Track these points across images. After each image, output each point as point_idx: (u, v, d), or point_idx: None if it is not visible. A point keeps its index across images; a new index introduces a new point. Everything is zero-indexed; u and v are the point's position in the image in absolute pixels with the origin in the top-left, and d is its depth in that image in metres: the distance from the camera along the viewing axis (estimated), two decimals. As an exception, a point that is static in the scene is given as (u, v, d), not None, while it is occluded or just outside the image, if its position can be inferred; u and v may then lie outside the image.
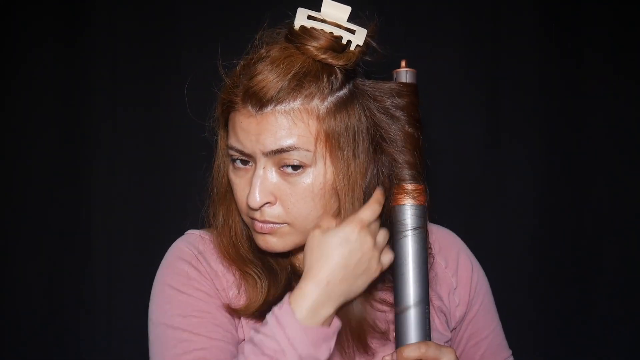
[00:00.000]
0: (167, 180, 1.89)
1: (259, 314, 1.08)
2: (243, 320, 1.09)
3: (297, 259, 1.16)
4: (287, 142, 0.99)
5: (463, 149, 1.88)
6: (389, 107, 1.06)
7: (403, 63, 1.08)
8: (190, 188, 1.72)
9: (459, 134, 1.88)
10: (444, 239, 1.24)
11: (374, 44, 1.03)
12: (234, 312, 1.08)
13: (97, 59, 1.88)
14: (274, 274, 1.11)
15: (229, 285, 1.10)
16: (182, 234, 1.16)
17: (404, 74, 1.07)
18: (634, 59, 1.85)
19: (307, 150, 1.00)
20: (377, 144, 1.05)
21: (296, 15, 1.02)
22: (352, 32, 1.01)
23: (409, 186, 1.05)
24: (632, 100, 1.86)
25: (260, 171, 1.01)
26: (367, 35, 1.02)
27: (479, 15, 1.87)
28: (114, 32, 1.88)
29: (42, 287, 1.89)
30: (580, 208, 1.89)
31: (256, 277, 1.10)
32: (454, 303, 1.21)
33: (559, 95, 1.87)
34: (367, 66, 1.06)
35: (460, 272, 1.22)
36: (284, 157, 1.00)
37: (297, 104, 0.99)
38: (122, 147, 1.89)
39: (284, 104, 0.99)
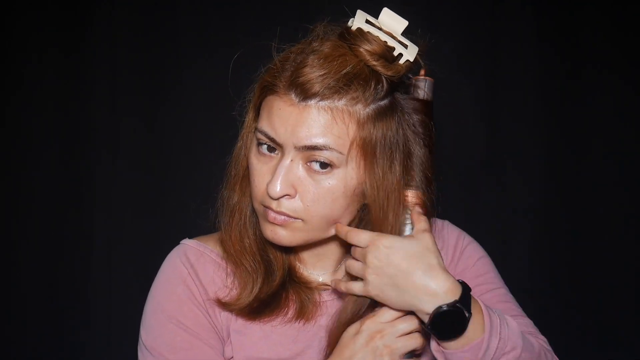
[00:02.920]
0: (167, 184, 1.91)
1: (249, 310, 1.10)
2: (232, 323, 1.12)
3: (299, 259, 1.17)
4: (321, 140, 0.99)
5: (462, 149, 1.93)
6: (415, 123, 1.08)
7: (422, 72, 1.09)
8: (189, 191, 1.78)
9: (458, 135, 1.92)
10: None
11: (422, 62, 1.05)
12: (224, 306, 1.10)
13: (98, 66, 1.89)
14: (270, 272, 1.13)
15: (219, 288, 1.12)
16: (182, 234, 1.19)
17: (423, 82, 1.09)
18: (631, 61, 1.90)
19: (340, 152, 1.00)
20: (405, 158, 1.07)
21: (355, 17, 1.02)
22: (405, 46, 1.03)
23: (412, 195, 1.07)
24: (631, 102, 1.91)
25: (287, 162, 1.01)
26: (417, 53, 1.03)
27: (478, 20, 1.91)
28: (115, 40, 1.89)
29: (43, 288, 1.91)
30: (580, 209, 1.94)
31: (250, 270, 1.11)
32: None
33: (558, 97, 1.92)
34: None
35: (449, 238, 1.24)
36: (315, 154, 1.00)
37: (341, 103, 0.99)
38: (122, 151, 1.91)
39: (328, 101, 0.99)
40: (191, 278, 1.12)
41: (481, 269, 1.24)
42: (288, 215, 1.04)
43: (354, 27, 1.02)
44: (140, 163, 1.92)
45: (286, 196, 1.03)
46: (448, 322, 0.98)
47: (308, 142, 0.99)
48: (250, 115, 1.11)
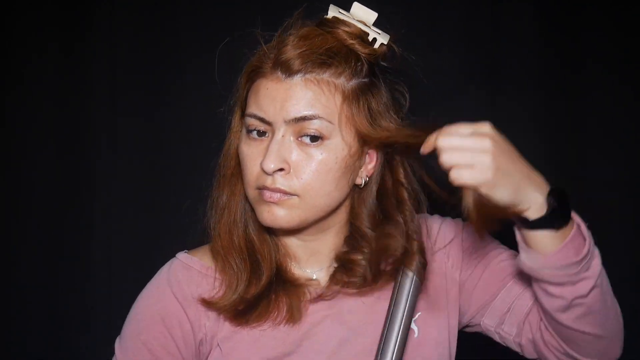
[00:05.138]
0: (167, 183, 1.94)
1: (235, 312, 1.12)
2: (219, 331, 1.14)
3: (292, 256, 1.19)
4: (310, 111, 1.05)
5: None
6: (392, 113, 1.13)
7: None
8: (190, 190, 1.78)
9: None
10: (430, 224, 1.27)
11: (395, 47, 1.11)
12: (209, 305, 1.13)
13: (97, 66, 1.92)
14: (256, 271, 1.15)
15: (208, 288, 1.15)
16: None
17: None
18: (633, 61, 1.90)
19: (329, 122, 1.05)
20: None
21: (328, 11, 1.09)
22: (378, 33, 1.09)
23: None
24: (632, 102, 1.90)
25: (278, 137, 1.06)
26: (390, 40, 1.09)
27: (479, 19, 1.92)
28: (115, 40, 1.91)
29: (43, 288, 1.93)
30: (579, 209, 1.91)
31: (236, 269, 1.14)
32: (450, 270, 1.23)
33: (558, 96, 1.92)
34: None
35: (447, 236, 1.25)
36: (305, 126, 1.05)
37: (325, 75, 1.05)
38: (122, 152, 1.94)
39: (314, 74, 1.05)
40: (174, 297, 1.14)
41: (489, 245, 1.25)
42: (284, 192, 1.07)
43: (329, 17, 1.10)
44: (140, 163, 1.95)
45: (281, 172, 1.06)
46: (563, 207, 0.99)
47: (297, 114, 1.04)
48: (236, 116, 1.16)
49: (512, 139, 1.89)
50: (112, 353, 1.89)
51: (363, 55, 1.08)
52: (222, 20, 1.90)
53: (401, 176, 1.16)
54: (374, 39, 1.09)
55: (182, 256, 1.19)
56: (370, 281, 1.16)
